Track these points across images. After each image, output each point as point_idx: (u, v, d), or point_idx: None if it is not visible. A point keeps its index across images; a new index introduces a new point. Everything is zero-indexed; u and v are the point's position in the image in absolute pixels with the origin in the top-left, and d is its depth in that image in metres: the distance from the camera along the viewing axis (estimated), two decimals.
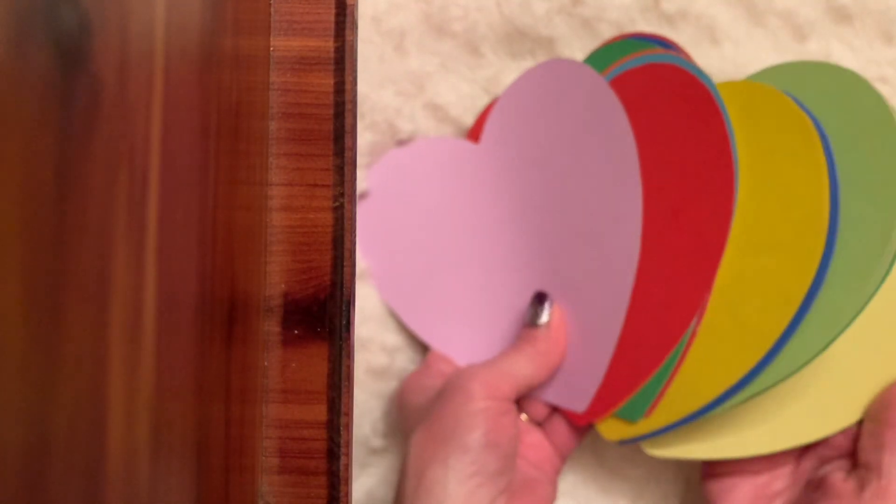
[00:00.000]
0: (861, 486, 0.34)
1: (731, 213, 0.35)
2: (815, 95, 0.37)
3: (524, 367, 0.37)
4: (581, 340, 0.39)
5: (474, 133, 0.42)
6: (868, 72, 0.41)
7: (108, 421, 0.19)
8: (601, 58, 0.40)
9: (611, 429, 0.38)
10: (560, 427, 0.39)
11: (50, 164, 0.16)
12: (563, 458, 0.40)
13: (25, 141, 0.16)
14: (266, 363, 0.33)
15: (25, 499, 0.16)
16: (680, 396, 0.37)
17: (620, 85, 0.38)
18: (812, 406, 0.36)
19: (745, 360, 0.35)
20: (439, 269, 0.42)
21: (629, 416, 0.38)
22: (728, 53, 0.41)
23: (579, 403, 0.38)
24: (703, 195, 0.36)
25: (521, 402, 0.39)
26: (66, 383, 0.17)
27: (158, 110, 0.21)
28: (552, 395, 0.39)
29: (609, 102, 0.37)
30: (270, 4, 0.34)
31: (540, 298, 0.39)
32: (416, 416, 0.37)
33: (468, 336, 0.41)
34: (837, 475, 0.35)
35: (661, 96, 0.37)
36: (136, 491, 0.20)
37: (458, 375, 0.36)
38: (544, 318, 0.38)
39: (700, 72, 0.36)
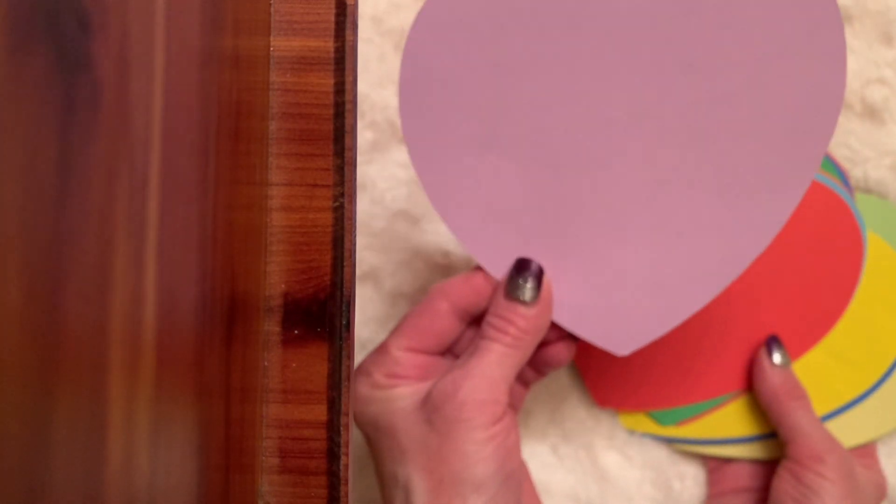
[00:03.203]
0: (794, 474, 0.36)
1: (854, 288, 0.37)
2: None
3: (507, 363, 0.33)
4: (664, 276, 0.32)
5: None
6: (868, 72, 0.41)
7: (108, 421, 0.19)
8: None
9: (632, 419, 0.39)
10: (514, 388, 0.37)
11: (50, 164, 0.16)
12: (517, 411, 0.38)
13: (25, 141, 0.16)
14: (266, 363, 0.33)
15: (25, 499, 0.16)
16: (722, 423, 0.39)
17: None
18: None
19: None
20: (490, 146, 0.33)
21: (660, 419, 0.38)
22: None
23: (622, 346, 0.33)
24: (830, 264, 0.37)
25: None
26: (66, 383, 0.17)
27: (158, 110, 0.21)
28: (588, 332, 0.33)
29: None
30: (270, 4, 0.34)
31: (523, 267, 0.33)
32: (393, 442, 0.33)
33: (496, 235, 0.33)
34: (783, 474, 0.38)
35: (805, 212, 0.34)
36: (136, 491, 0.20)
37: (445, 397, 0.32)
38: (528, 295, 0.33)
39: (847, 197, 0.37)
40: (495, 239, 0.33)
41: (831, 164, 0.38)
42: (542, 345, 0.35)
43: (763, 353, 0.38)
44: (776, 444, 0.38)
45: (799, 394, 0.37)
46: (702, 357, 0.38)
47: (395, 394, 0.34)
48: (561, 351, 0.35)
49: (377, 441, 0.34)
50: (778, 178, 0.29)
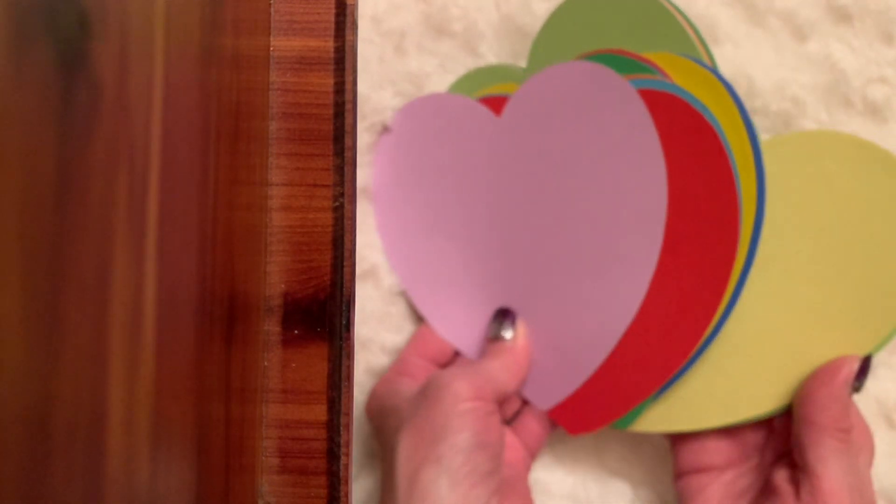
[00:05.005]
0: (797, 487, 0.34)
1: (734, 252, 0.36)
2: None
3: (500, 374, 0.37)
4: (568, 342, 0.39)
5: (494, 105, 0.41)
6: (868, 72, 0.41)
7: (108, 421, 0.19)
8: None
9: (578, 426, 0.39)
10: (530, 425, 0.40)
11: (50, 164, 0.16)
12: (533, 456, 0.40)
13: (25, 141, 0.16)
14: (266, 363, 0.33)
15: (26, 499, 0.16)
16: (668, 409, 0.38)
17: None
18: (739, 387, 0.37)
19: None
20: (440, 231, 0.41)
21: (620, 426, 0.39)
22: (728, 53, 0.41)
23: (547, 402, 0.39)
24: (704, 231, 0.36)
25: None
26: (66, 383, 0.17)
27: (158, 110, 0.21)
28: (523, 389, 0.40)
29: (639, 114, 0.36)
30: (270, 4, 0.34)
31: (503, 314, 0.39)
32: (395, 419, 0.37)
33: (459, 310, 0.41)
34: (781, 474, 0.35)
35: (660, 128, 0.37)
36: (136, 491, 0.20)
37: (440, 376, 0.36)
38: (507, 333, 0.39)
39: (703, 106, 0.36)
40: (451, 308, 0.41)
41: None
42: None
43: (843, 372, 0.34)
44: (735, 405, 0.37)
45: (846, 426, 0.34)
46: (630, 350, 0.38)
47: (401, 384, 0.38)
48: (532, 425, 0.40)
49: (383, 424, 0.38)
50: (627, 259, 0.37)
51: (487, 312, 0.40)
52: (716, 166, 0.36)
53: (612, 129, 0.37)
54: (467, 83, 0.42)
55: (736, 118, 0.36)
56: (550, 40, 0.40)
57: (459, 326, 0.41)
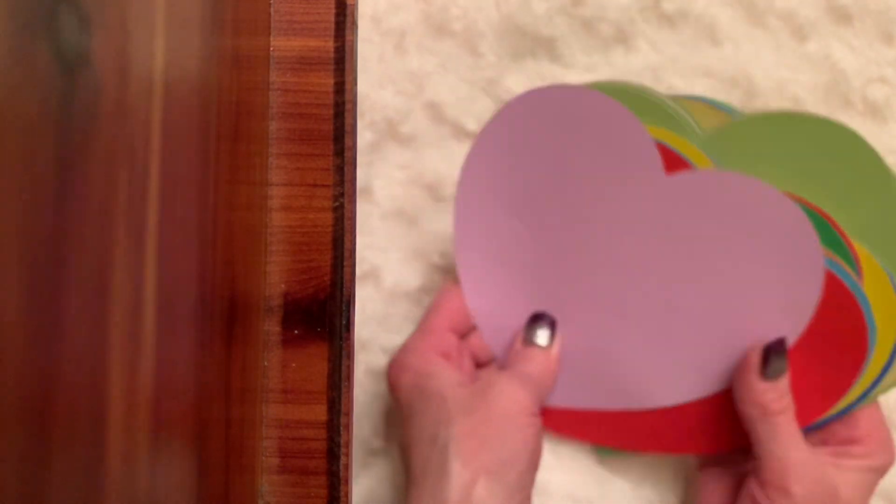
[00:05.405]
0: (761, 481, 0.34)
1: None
2: (809, 149, 0.35)
3: (543, 383, 0.36)
4: (607, 370, 0.37)
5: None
6: (868, 72, 0.41)
7: (108, 421, 0.19)
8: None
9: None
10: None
11: (50, 164, 0.16)
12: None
13: (25, 141, 0.16)
14: (266, 363, 0.33)
15: (26, 499, 0.16)
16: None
17: None
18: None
19: None
20: (521, 215, 0.37)
21: (604, 454, 0.39)
22: (728, 53, 0.41)
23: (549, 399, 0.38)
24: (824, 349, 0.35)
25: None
26: (67, 383, 0.17)
27: (158, 110, 0.21)
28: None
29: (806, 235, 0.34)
30: (270, 4, 0.34)
31: (539, 319, 0.37)
32: (440, 408, 0.35)
33: (503, 295, 0.38)
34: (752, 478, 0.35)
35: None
36: (136, 491, 0.20)
37: (500, 381, 0.35)
38: (542, 340, 0.37)
39: (855, 285, 0.34)
40: (495, 286, 0.38)
41: (843, 247, 0.36)
42: None
43: (755, 359, 0.35)
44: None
45: (782, 406, 0.34)
46: (665, 416, 0.37)
47: (443, 368, 0.37)
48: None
49: (421, 405, 0.36)
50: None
51: (526, 311, 0.38)
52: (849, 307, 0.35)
53: (774, 245, 0.34)
54: (625, 97, 0.37)
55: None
56: (740, 139, 0.36)
57: (496, 313, 0.38)
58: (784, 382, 0.35)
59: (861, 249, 0.35)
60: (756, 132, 0.35)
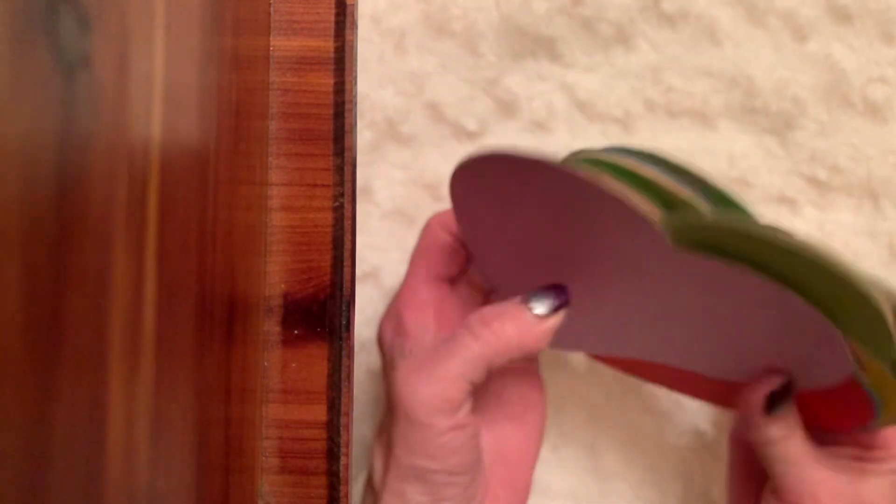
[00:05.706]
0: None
1: None
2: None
3: (475, 356, 0.32)
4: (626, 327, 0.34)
5: None
6: (868, 72, 0.41)
7: (108, 421, 0.19)
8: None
9: None
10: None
11: (50, 164, 0.16)
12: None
13: (25, 140, 0.16)
14: (266, 363, 0.33)
15: (26, 499, 0.16)
16: None
17: None
18: None
19: None
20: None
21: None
22: (728, 53, 0.41)
23: (569, 345, 0.36)
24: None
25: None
26: (67, 383, 0.17)
27: (158, 110, 0.21)
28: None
29: None
30: (270, 4, 0.34)
31: (552, 292, 0.33)
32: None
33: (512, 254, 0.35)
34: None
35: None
36: (136, 491, 0.20)
37: (402, 393, 0.32)
38: (541, 309, 0.33)
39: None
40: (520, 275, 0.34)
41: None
42: None
43: (759, 400, 0.33)
44: None
45: (791, 430, 0.33)
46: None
47: (415, 326, 0.35)
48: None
49: (399, 361, 0.35)
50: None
51: (538, 273, 0.34)
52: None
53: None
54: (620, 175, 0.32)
55: None
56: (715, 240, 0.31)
57: (503, 263, 0.35)
58: (790, 415, 0.33)
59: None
60: (727, 242, 0.30)
